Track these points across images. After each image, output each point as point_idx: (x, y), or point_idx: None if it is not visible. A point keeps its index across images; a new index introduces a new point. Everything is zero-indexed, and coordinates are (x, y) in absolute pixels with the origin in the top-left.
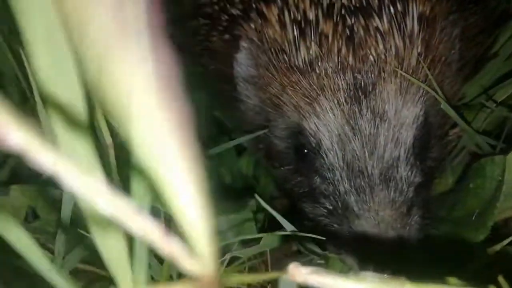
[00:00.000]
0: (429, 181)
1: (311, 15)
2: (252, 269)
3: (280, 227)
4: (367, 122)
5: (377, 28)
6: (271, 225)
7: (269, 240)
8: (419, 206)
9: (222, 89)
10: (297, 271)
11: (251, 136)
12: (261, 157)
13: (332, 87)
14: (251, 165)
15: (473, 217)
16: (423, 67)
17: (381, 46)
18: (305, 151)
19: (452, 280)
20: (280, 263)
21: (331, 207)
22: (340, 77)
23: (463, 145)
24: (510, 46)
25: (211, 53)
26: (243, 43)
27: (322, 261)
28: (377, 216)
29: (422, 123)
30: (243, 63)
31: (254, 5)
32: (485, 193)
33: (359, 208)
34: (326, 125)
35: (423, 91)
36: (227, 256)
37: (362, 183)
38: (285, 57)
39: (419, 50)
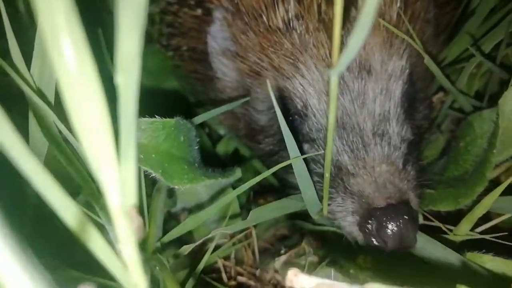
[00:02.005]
0: (419, 141)
1: None
2: (238, 254)
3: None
4: (354, 77)
5: None
6: (255, 204)
7: (257, 215)
8: (413, 164)
9: (196, 70)
10: (297, 279)
11: (229, 107)
12: (241, 138)
13: (315, 44)
14: (229, 151)
15: (470, 172)
16: (403, 22)
17: (361, 2)
18: (290, 118)
19: None
20: (268, 250)
21: (322, 171)
22: (322, 33)
23: (447, 107)
24: (486, 5)
25: (182, 33)
26: (217, 14)
27: (315, 236)
28: (374, 172)
29: (408, 77)
30: (217, 36)
31: None
32: (477, 149)
33: (354, 165)
34: (311, 83)
35: (406, 45)
36: (213, 233)
37: (355, 139)
38: (264, 19)
39: (398, 4)
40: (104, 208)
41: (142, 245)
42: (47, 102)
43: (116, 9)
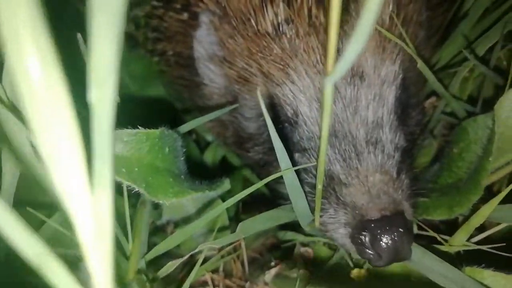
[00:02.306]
0: (412, 148)
1: None
2: (227, 266)
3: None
4: (346, 83)
5: None
6: (245, 214)
7: (246, 228)
8: (407, 172)
9: (182, 76)
10: None
11: (216, 114)
12: (229, 146)
13: (305, 50)
14: (217, 159)
15: (464, 180)
16: (396, 25)
17: (352, 5)
18: (280, 125)
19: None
20: (258, 260)
21: (314, 182)
22: (313, 38)
23: (440, 112)
24: (479, 5)
25: (168, 37)
26: (203, 18)
27: (307, 249)
28: (367, 182)
29: (401, 82)
30: (204, 40)
31: None
32: (471, 155)
33: (347, 175)
34: (302, 90)
35: (399, 49)
36: (201, 248)
37: (347, 148)
38: (252, 23)
39: (391, 8)
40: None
41: (125, 264)
42: (21, 117)
43: (89, 15)
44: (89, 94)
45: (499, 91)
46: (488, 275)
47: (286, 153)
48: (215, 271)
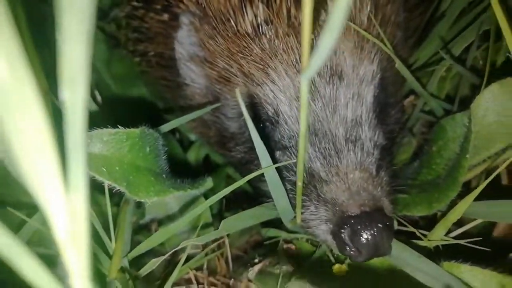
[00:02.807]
0: (392, 146)
1: None
2: (211, 263)
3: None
4: (325, 82)
5: None
6: (228, 212)
7: (229, 225)
8: (387, 169)
9: (164, 77)
10: None
11: (198, 113)
12: (212, 145)
13: (285, 50)
14: (200, 158)
15: (443, 177)
16: (374, 25)
17: (331, 5)
18: (261, 125)
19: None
20: (242, 258)
21: (295, 179)
22: (292, 38)
23: (418, 110)
24: (456, 6)
25: (149, 38)
26: (184, 19)
27: (290, 245)
28: (347, 179)
29: (380, 81)
30: (184, 41)
31: None
32: (449, 153)
33: (327, 172)
34: (282, 90)
35: (377, 49)
36: (184, 244)
37: (327, 146)
38: (232, 23)
39: (368, 8)
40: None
41: (108, 263)
42: None
43: (57, 15)
44: (61, 94)
45: (475, 90)
46: (465, 269)
47: (266, 151)
48: (199, 269)
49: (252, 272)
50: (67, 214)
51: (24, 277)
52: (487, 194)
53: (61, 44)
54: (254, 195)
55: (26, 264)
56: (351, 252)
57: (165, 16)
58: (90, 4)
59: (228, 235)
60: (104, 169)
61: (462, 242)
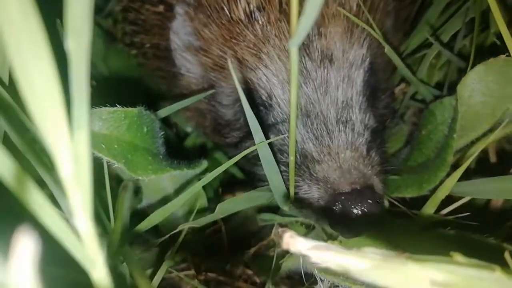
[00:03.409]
0: (383, 129)
1: None
2: (209, 248)
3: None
4: (316, 65)
5: None
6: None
7: (224, 208)
8: (377, 150)
9: (160, 67)
10: (293, 242)
11: (193, 99)
12: (208, 135)
13: (277, 35)
14: (196, 148)
15: (432, 158)
16: (363, 12)
17: None
18: (255, 109)
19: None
20: (239, 244)
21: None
22: (284, 24)
23: (409, 97)
24: None
25: (145, 30)
26: (179, 9)
27: (284, 229)
28: (338, 158)
29: (369, 66)
30: (179, 31)
31: None
32: (439, 136)
33: (319, 152)
34: (275, 74)
35: (366, 34)
36: (181, 227)
37: (319, 127)
38: (226, 11)
39: None
40: (57, 181)
41: (108, 241)
42: (1, 82)
43: None
44: (67, 43)
45: (463, 74)
46: (452, 236)
47: (259, 127)
48: (196, 253)
49: (248, 254)
50: (71, 153)
51: (31, 212)
52: (479, 175)
53: None
54: (250, 183)
55: (34, 199)
56: (342, 228)
57: (161, 7)
58: None
59: (225, 224)
60: (104, 146)
61: (450, 218)
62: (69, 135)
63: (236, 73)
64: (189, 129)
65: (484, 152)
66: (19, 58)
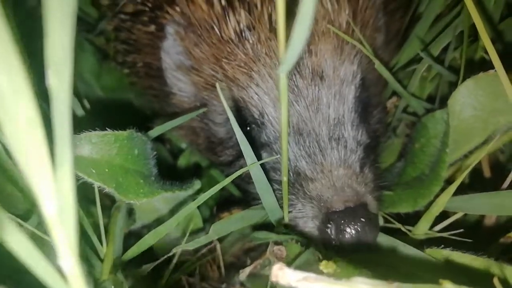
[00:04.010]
0: (376, 145)
1: None
2: (204, 269)
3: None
4: (307, 83)
5: None
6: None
7: (219, 228)
8: (371, 167)
9: (152, 86)
10: (282, 274)
11: (185, 118)
12: (202, 152)
13: (267, 53)
14: (190, 166)
15: (426, 173)
16: (353, 30)
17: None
18: (247, 128)
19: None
20: (234, 264)
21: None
22: (274, 42)
23: (401, 111)
24: (432, 8)
25: (137, 49)
26: (169, 29)
27: (279, 247)
28: (331, 176)
29: (361, 82)
30: (170, 51)
31: None
32: (432, 149)
33: (312, 170)
34: (266, 92)
35: (357, 51)
36: (175, 250)
37: (311, 145)
38: (216, 30)
39: (347, 12)
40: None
41: (100, 266)
42: None
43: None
44: (48, 79)
45: (454, 88)
46: (446, 254)
47: (250, 147)
48: (191, 274)
49: (243, 274)
50: (55, 191)
51: (15, 256)
52: (473, 189)
53: (46, 28)
54: (244, 202)
55: (17, 242)
56: (336, 247)
57: (152, 27)
58: None
59: (221, 243)
60: (93, 171)
61: (445, 234)
62: (52, 172)
63: (227, 92)
64: (183, 145)
65: (478, 164)
66: None
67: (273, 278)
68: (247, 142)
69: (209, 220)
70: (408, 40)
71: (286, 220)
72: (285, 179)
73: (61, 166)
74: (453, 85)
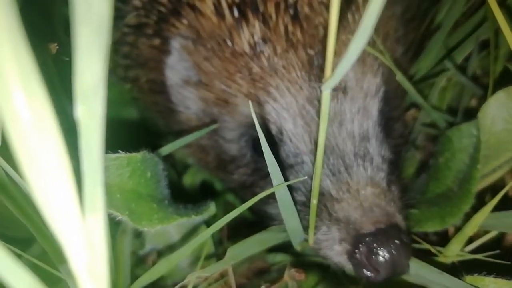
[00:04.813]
0: (398, 160)
1: None
2: None
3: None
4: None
5: (321, 2)
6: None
7: (235, 253)
8: (396, 184)
9: (157, 102)
10: None
11: (195, 135)
12: (211, 171)
13: (285, 67)
14: (197, 183)
15: (453, 189)
16: (374, 41)
17: (349, 15)
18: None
19: None
20: (245, 286)
21: (304, 199)
22: (291, 55)
23: (420, 123)
24: (451, 16)
25: (140, 64)
26: (174, 43)
27: (298, 270)
28: (359, 196)
29: (384, 95)
30: (176, 67)
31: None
32: (458, 164)
33: (338, 190)
34: (285, 107)
35: (379, 63)
36: (189, 278)
37: (336, 162)
38: (228, 43)
39: None
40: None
41: None
42: None
43: (73, 26)
44: (76, 110)
45: (476, 99)
46: (490, 282)
47: (278, 168)
48: None
49: None
50: (85, 241)
51: None
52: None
53: (77, 57)
54: (255, 221)
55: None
56: (368, 272)
57: (157, 41)
58: (107, 14)
59: (232, 264)
60: None
61: (480, 256)
62: (81, 219)
63: (242, 108)
64: (187, 161)
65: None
66: (19, 130)
67: None
68: (275, 162)
69: (219, 241)
70: (426, 50)
71: (311, 242)
72: (314, 202)
73: (91, 212)
74: (474, 96)
